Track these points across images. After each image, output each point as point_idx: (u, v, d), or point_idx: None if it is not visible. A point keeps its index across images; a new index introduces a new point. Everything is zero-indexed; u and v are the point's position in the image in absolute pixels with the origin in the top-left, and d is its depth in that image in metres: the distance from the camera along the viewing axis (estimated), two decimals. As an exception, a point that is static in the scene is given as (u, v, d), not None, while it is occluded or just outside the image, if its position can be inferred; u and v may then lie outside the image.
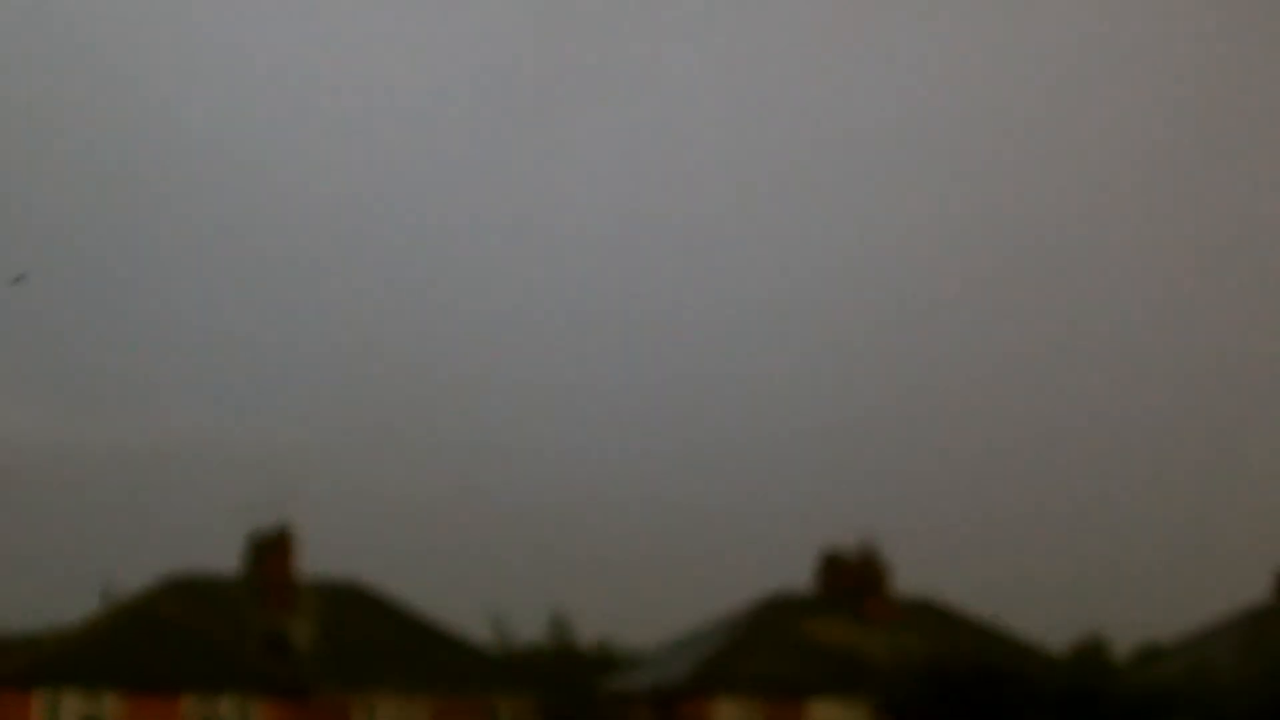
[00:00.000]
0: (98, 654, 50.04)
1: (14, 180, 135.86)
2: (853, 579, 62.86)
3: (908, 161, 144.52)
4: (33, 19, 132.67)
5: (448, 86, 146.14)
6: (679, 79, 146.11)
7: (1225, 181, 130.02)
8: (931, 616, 62.34)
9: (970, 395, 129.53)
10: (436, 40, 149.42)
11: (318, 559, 57.95)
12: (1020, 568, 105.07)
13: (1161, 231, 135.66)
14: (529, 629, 51.00)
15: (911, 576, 65.20)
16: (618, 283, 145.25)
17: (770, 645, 59.82)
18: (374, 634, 56.33)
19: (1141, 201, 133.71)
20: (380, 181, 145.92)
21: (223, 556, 58.59)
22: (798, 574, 64.59)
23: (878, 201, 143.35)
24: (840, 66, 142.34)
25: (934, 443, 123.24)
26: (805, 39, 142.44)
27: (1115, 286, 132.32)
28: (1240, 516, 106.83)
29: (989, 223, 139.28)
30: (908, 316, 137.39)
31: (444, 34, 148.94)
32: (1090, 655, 59.35)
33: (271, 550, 56.85)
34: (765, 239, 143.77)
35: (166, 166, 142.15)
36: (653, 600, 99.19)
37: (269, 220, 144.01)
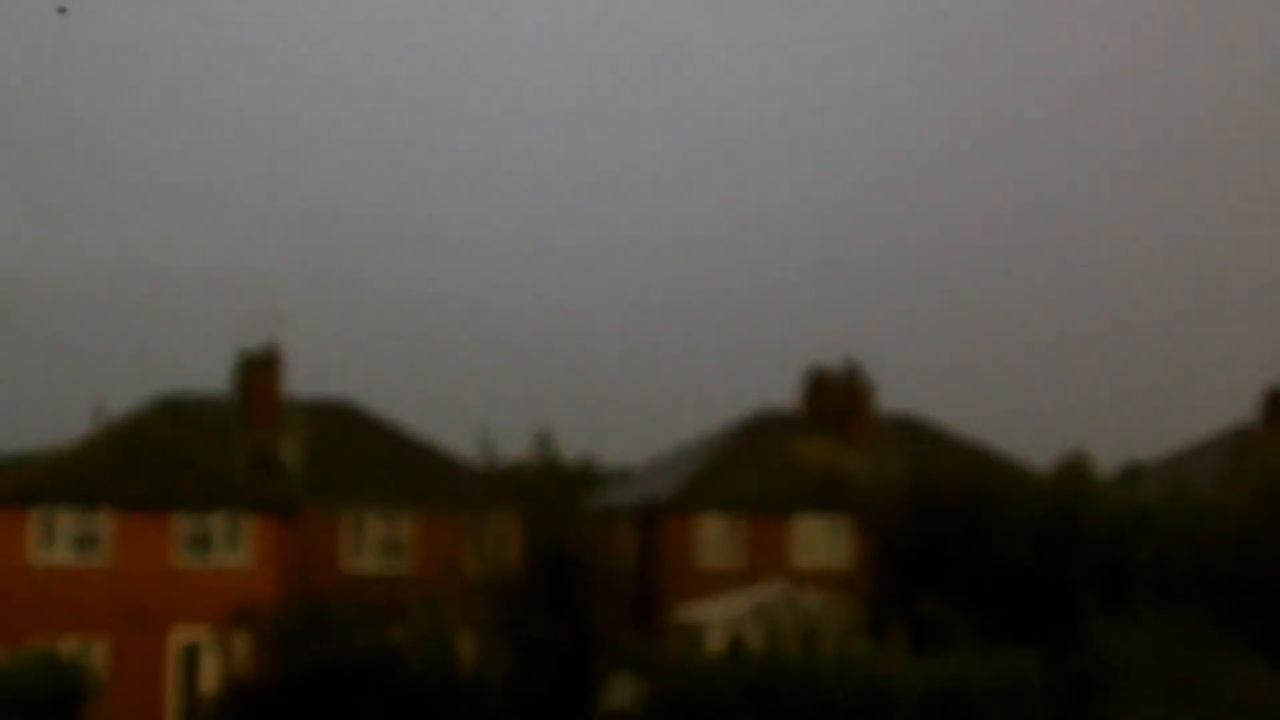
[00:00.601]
0: (91, 473, 50.77)
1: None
2: (837, 398, 63.77)
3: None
4: None
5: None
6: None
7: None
8: (915, 436, 63.28)
9: (954, 211, 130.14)
10: None
11: (305, 379, 58.94)
12: (1007, 388, 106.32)
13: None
14: (515, 446, 51.92)
15: (896, 396, 66.22)
16: (607, 110, 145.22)
17: (754, 463, 60.89)
18: (361, 451, 57.31)
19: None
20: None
21: (211, 377, 59.55)
22: (783, 393, 65.71)
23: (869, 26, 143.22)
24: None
25: (921, 264, 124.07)
26: None
27: (1114, 118, 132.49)
28: (1229, 337, 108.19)
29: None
30: (898, 126, 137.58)
31: None
32: (1073, 474, 60.16)
33: (260, 369, 57.68)
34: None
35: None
36: (639, 419, 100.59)
37: (246, 45, 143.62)
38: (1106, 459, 66.30)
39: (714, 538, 58.36)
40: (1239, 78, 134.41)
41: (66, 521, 49.65)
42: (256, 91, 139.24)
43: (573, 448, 50.13)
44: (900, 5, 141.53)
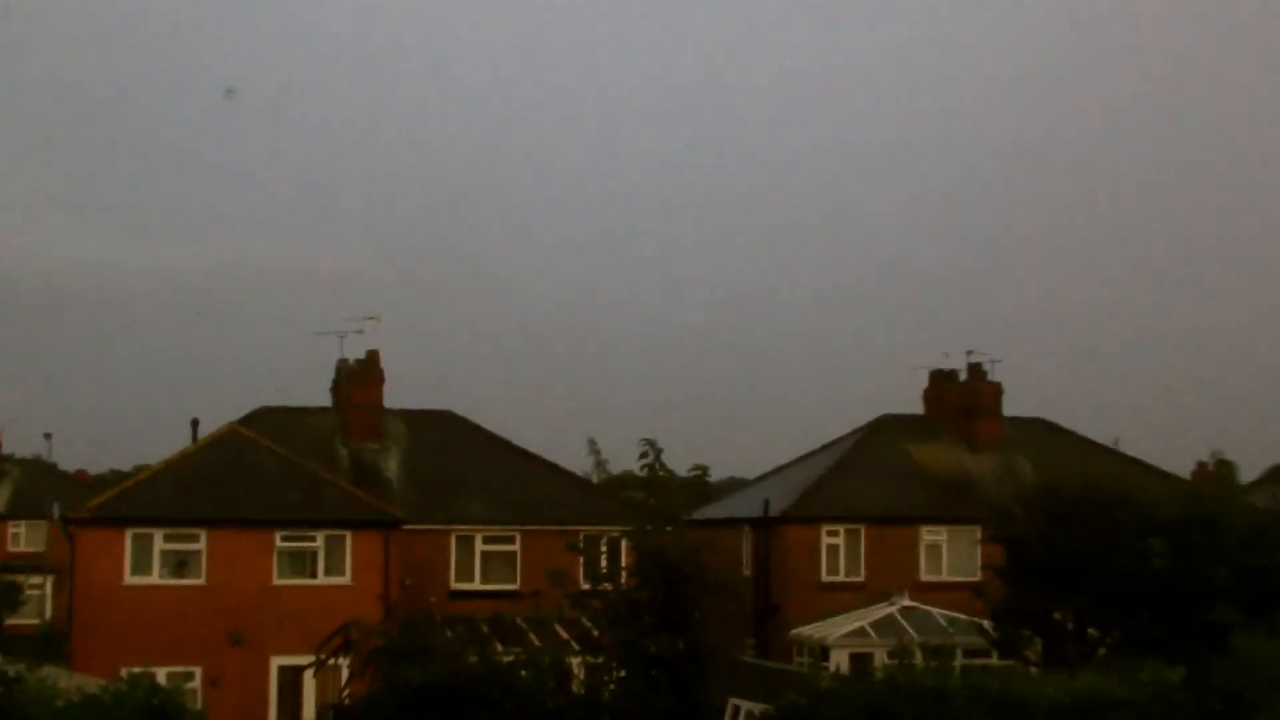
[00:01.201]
0: (187, 491, 50.25)
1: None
2: (961, 401, 62.90)
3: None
4: None
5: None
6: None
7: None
8: (1044, 439, 62.27)
9: (1083, 210, 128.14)
10: None
11: (406, 387, 58.53)
12: (1145, 391, 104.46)
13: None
14: (624, 457, 50.89)
15: (1024, 397, 65.11)
16: (698, 98, 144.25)
17: (876, 469, 60.03)
18: (465, 463, 56.82)
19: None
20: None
21: (311, 387, 59.33)
22: (907, 397, 64.71)
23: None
24: None
25: (1054, 263, 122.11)
26: None
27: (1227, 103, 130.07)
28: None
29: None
30: (1023, 126, 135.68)
31: None
32: (1213, 477, 58.82)
33: (359, 379, 57.44)
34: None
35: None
36: (759, 428, 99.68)
37: (315, 55, 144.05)
38: (1248, 464, 64.75)
39: (835, 548, 57.42)
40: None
41: (165, 539, 49.08)
42: (345, 96, 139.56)
43: (685, 459, 49.28)
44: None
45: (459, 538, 54.37)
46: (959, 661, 45.51)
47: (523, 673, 38.84)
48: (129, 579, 48.65)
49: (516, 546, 54.25)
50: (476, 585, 53.50)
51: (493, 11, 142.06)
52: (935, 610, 53.91)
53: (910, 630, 51.69)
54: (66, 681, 30.40)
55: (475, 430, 58.77)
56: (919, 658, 36.98)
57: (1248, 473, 60.94)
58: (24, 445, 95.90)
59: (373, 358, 57.66)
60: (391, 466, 56.39)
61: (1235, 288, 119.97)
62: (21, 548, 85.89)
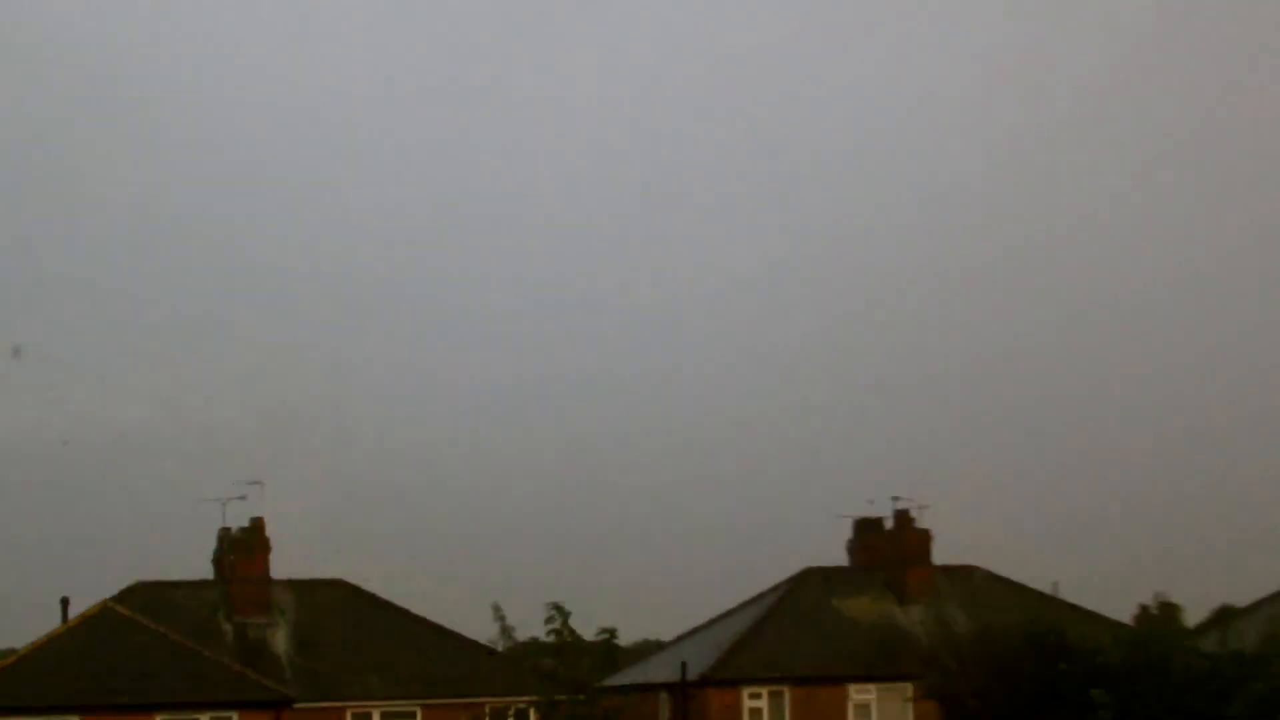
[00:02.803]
0: (58, 673, 49.58)
1: None
2: (889, 549, 62.46)
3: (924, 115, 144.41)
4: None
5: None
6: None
7: None
8: (978, 586, 62.13)
9: (1017, 356, 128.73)
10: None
11: (293, 556, 57.91)
12: (1081, 534, 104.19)
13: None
14: (528, 624, 50.50)
15: (956, 545, 64.87)
16: (604, 268, 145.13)
17: (800, 625, 59.67)
18: (360, 635, 56.35)
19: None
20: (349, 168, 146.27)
21: (189, 559, 58.83)
22: (830, 547, 64.36)
23: (864, 161, 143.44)
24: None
25: (979, 403, 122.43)
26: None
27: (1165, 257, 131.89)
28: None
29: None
30: (933, 281, 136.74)
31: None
32: (1158, 620, 58.53)
33: (242, 548, 56.64)
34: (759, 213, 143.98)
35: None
36: (672, 587, 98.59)
37: (218, 211, 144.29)
38: (1193, 606, 64.49)
39: (759, 711, 56.76)
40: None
41: (33, 728, 48.61)
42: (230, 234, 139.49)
43: (591, 623, 49.00)
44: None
45: (355, 716, 53.93)
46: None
47: None
48: (-4, 772, 48.10)
49: (420, 723, 54.11)
50: (377, 767, 53.33)
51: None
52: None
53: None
54: None
55: (370, 599, 58.31)
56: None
57: (1193, 615, 60.75)
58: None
59: (258, 525, 57.02)
60: (280, 641, 55.71)
61: (1176, 422, 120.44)
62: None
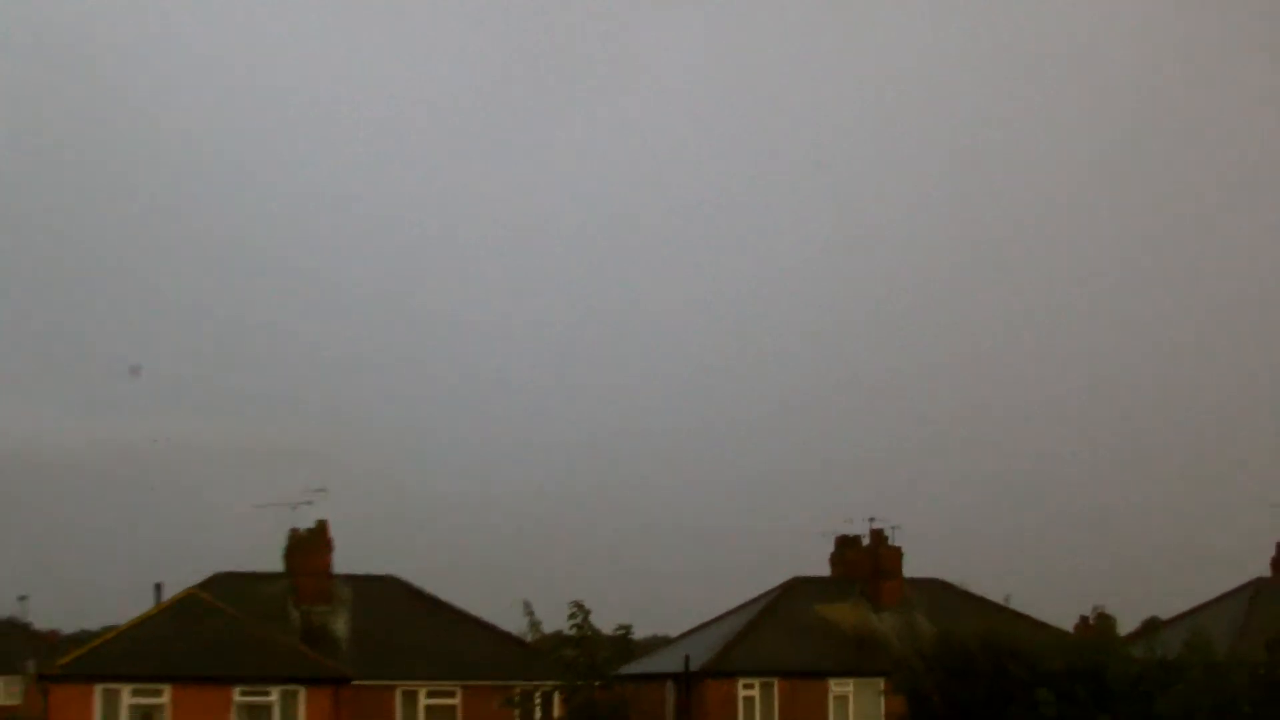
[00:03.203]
0: (152, 649, 51.13)
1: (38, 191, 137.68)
2: (866, 563, 64.18)
3: (887, 158, 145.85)
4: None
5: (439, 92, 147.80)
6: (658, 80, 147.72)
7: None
8: (942, 598, 63.45)
9: (978, 384, 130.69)
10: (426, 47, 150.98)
11: (352, 553, 59.68)
12: (1031, 551, 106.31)
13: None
14: (556, 618, 52.33)
15: (922, 560, 66.64)
16: (615, 280, 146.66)
17: (788, 627, 61.05)
18: (408, 625, 57.76)
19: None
20: (398, 186, 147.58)
21: (263, 554, 60.28)
22: (815, 560, 66.28)
23: (858, 193, 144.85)
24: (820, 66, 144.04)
25: (946, 435, 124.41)
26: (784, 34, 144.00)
27: (1108, 282, 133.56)
28: (1242, 497, 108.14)
29: (982, 214, 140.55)
30: (906, 304, 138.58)
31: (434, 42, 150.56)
32: (1096, 630, 60.20)
33: (308, 547, 58.25)
34: (749, 232, 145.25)
35: (174, 175, 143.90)
36: (676, 592, 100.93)
37: (276, 227, 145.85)
38: (1127, 617, 66.41)
39: (751, 700, 58.25)
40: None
41: (129, 696, 49.90)
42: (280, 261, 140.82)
43: (609, 620, 51.00)
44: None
45: (404, 694, 55.32)
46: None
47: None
48: (98, 731, 49.23)
49: (457, 701, 55.21)
50: (422, 739, 53.72)
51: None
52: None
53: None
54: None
55: (418, 594, 59.63)
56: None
57: (1126, 625, 62.46)
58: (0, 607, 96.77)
59: (322, 527, 58.42)
60: (340, 628, 57.11)
61: (1115, 452, 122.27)
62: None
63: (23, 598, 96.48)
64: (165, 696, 50.11)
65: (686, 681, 59.17)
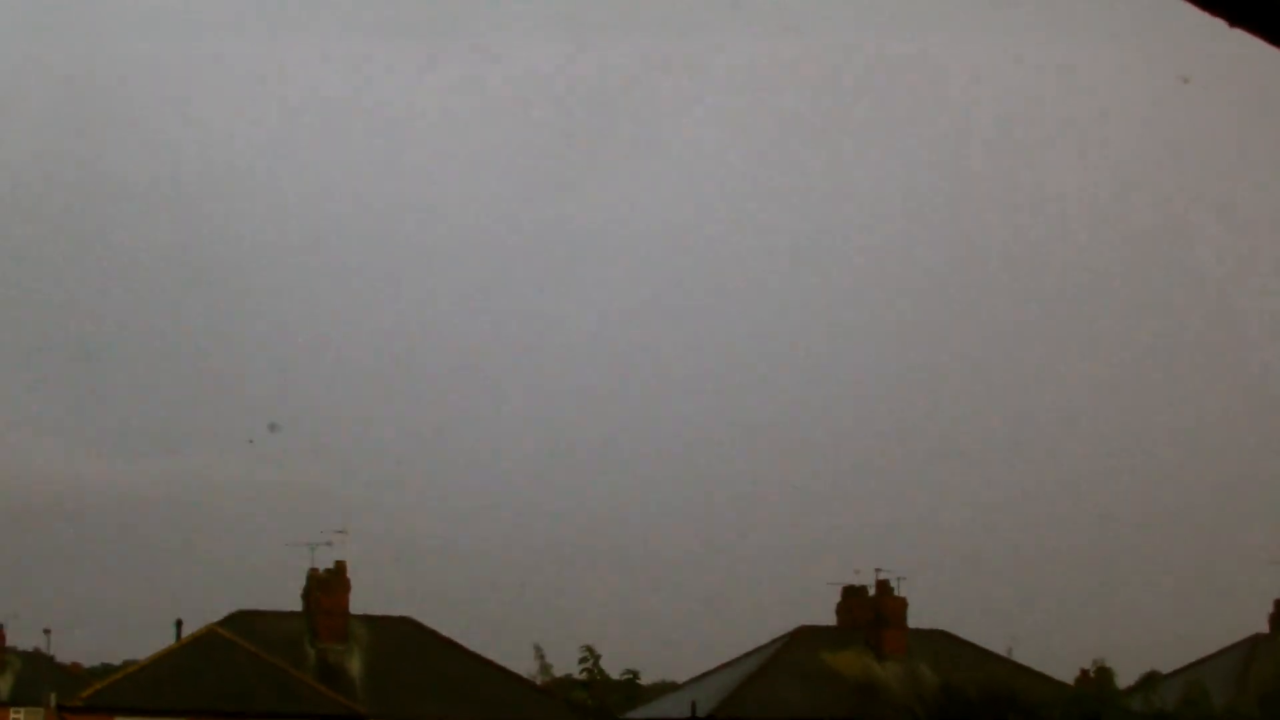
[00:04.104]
0: (171, 683, 51.69)
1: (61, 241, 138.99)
2: (870, 613, 64.47)
3: (916, 223, 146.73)
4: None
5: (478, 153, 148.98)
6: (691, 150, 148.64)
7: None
8: (944, 647, 63.27)
9: (979, 437, 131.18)
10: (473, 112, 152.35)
11: (368, 593, 60.22)
12: (1032, 604, 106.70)
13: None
14: (566, 661, 52.94)
15: (926, 610, 67.10)
16: (639, 338, 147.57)
17: (794, 674, 61.21)
18: (421, 666, 57.96)
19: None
20: (418, 242, 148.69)
21: (282, 593, 60.89)
22: (822, 609, 66.80)
23: (885, 255, 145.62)
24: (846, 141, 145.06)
25: (951, 489, 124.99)
26: (811, 112, 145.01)
27: (1112, 329, 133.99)
28: (1243, 555, 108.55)
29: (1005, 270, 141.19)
30: (918, 358, 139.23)
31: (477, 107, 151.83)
32: (1095, 683, 60.70)
33: (327, 586, 58.67)
34: (780, 292, 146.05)
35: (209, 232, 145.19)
36: (687, 636, 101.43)
37: (303, 280, 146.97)
38: (1127, 670, 66.83)
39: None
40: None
41: (147, 728, 50.64)
42: (301, 307, 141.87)
43: (618, 664, 51.54)
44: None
45: None
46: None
47: None
48: (117, 762, 50.13)
49: (469, 743, 55.39)
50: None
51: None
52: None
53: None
54: None
55: (431, 635, 59.88)
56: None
57: (1125, 678, 62.91)
58: (25, 639, 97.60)
59: (340, 568, 58.95)
60: (355, 667, 57.46)
61: (1114, 510, 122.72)
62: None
63: (47, 631, 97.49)
64: (183, 729, 50.67)
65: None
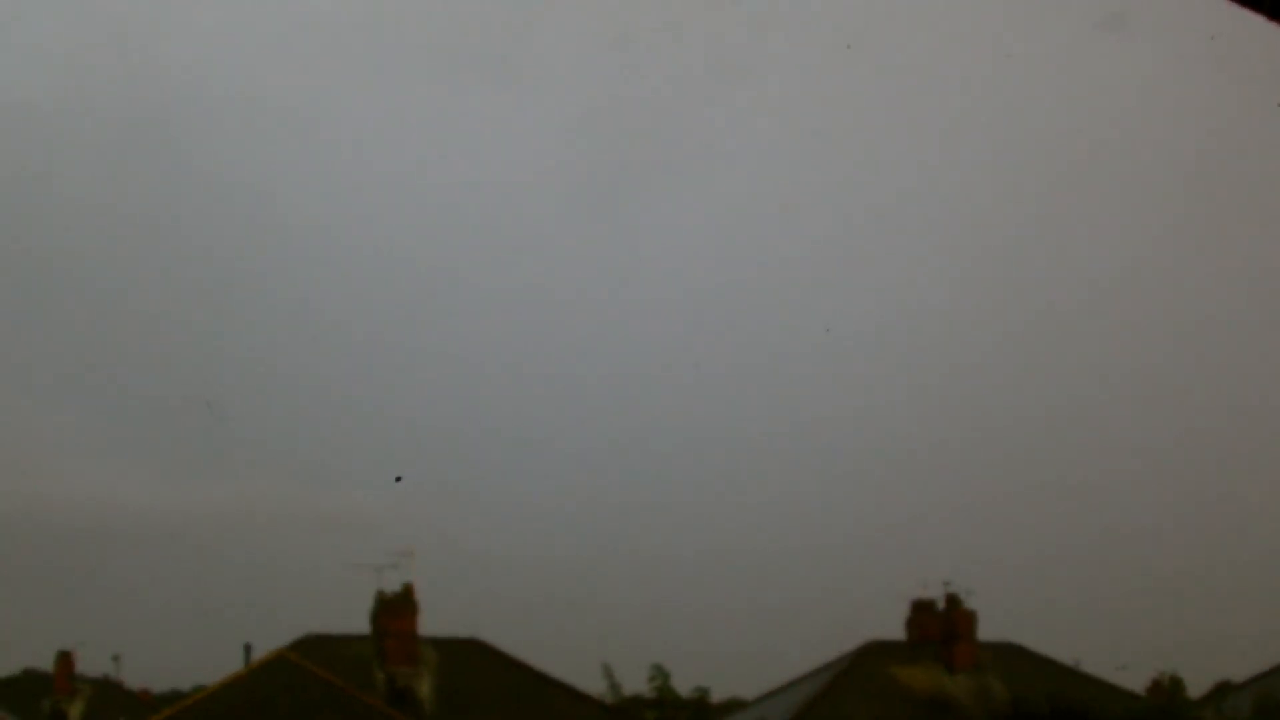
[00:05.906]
0: (241, 708, 51.25)
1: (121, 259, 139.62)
2: (940, 627, 64.02)
3: (971, 237, 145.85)
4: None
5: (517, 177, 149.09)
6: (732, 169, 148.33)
7: None
8: (1014, 660, 62.94)
9: (1054, 454, 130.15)
10: (506, 133, 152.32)
11: (436, 614, 59.99)
12: (1102, 614, 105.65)
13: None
14: (635, 680, 52.58)
15: (997, 623, 66.49)
16: (700, 342, 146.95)
17: (863, 690, 60.76)
18: (491, 685, 57.73)
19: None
20: (464, 264, 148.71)
21: (351, 617, 60.70)
22: (892, 623, 66.29)
23: (937, 275, 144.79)
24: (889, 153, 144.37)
25: (1022, 501, 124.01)
26: (855, 125, 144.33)
27: (1180, 339, 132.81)
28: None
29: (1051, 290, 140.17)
30: (986, 370, 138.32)
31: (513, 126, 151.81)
32: (1166, 693, 60.13)
33: (394, 609, 58.56)
34: (830, 310, 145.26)
35: (263, 245, 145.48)
36: (757, 653, 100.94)
37: (359, 301, 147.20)
38: (1198, 681, 66.05)
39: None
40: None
41: (217, 753, 50.38)
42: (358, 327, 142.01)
43: (687, 681, 51.09)
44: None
45: None
46: None
47: None
48: (186, 790, 49.98)
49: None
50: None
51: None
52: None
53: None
54: None
55: (499, 656, 59.60)
56: None
57: (1196, 689, 62.23)
58: (94, 665, 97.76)
59: (408, 590, 58.78)
60: (424, 690, 57.20)
61: (1189, 514, 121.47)
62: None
63: (116, 657, 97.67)
64: (254, 755, 50.45)
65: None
